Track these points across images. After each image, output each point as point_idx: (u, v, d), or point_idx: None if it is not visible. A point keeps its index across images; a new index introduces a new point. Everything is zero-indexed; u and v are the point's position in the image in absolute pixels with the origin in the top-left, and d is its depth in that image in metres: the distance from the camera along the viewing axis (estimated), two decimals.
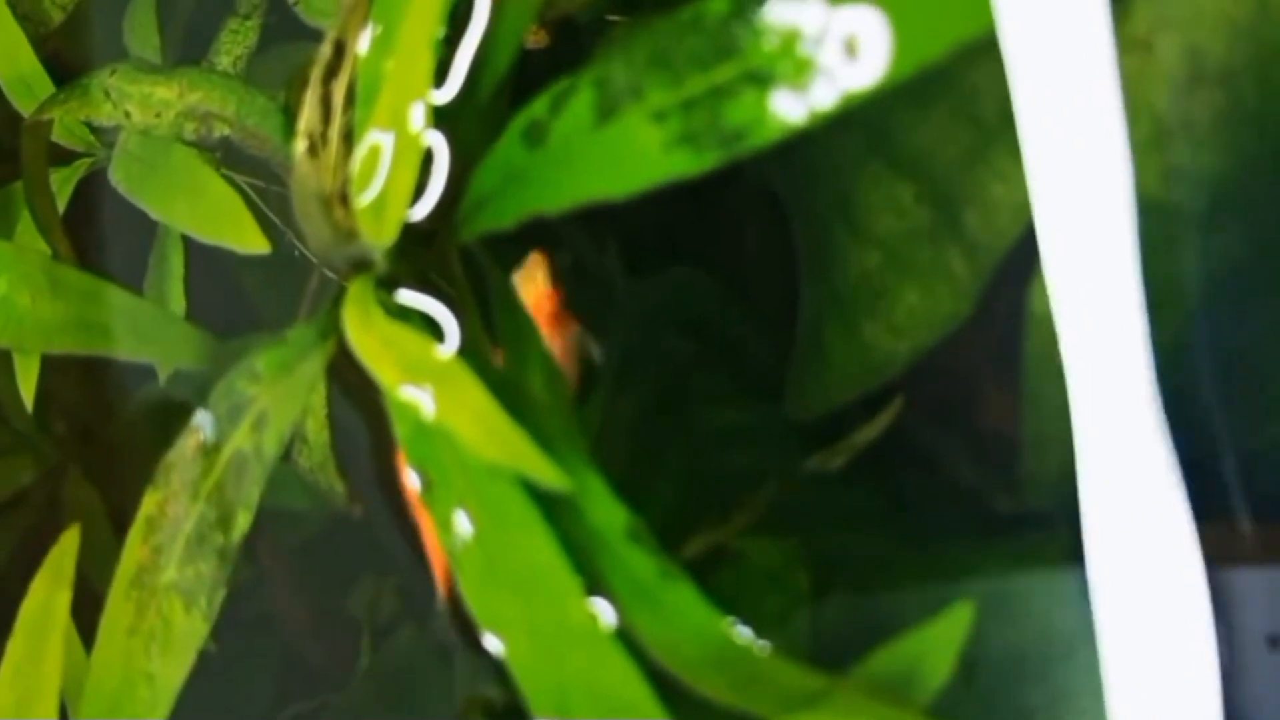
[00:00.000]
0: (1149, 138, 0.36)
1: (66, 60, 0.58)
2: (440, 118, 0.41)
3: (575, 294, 0.48)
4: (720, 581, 0.43)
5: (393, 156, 0.41)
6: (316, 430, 0.49)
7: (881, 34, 0.33)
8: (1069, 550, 0.43)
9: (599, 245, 0.53)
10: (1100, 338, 0.36)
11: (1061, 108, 0.34)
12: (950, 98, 0.40)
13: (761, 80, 0.36)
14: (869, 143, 0.44)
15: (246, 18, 0.54)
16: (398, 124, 0.41)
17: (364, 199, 0.41)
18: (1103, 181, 0.34)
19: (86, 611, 0.49)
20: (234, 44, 0.54)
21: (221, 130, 0.48)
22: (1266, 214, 0.36)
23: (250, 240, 0.48)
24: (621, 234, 0.53)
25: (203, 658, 0.46)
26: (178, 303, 0.54)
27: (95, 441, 0.60)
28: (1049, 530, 0.42)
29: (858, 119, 0.44)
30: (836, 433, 0.48)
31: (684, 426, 0.53)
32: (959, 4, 0.32)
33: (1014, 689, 0.41)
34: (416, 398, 0.40)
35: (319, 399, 0.49)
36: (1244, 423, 0.39)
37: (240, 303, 0.56)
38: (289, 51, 0.55)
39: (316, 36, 0.45)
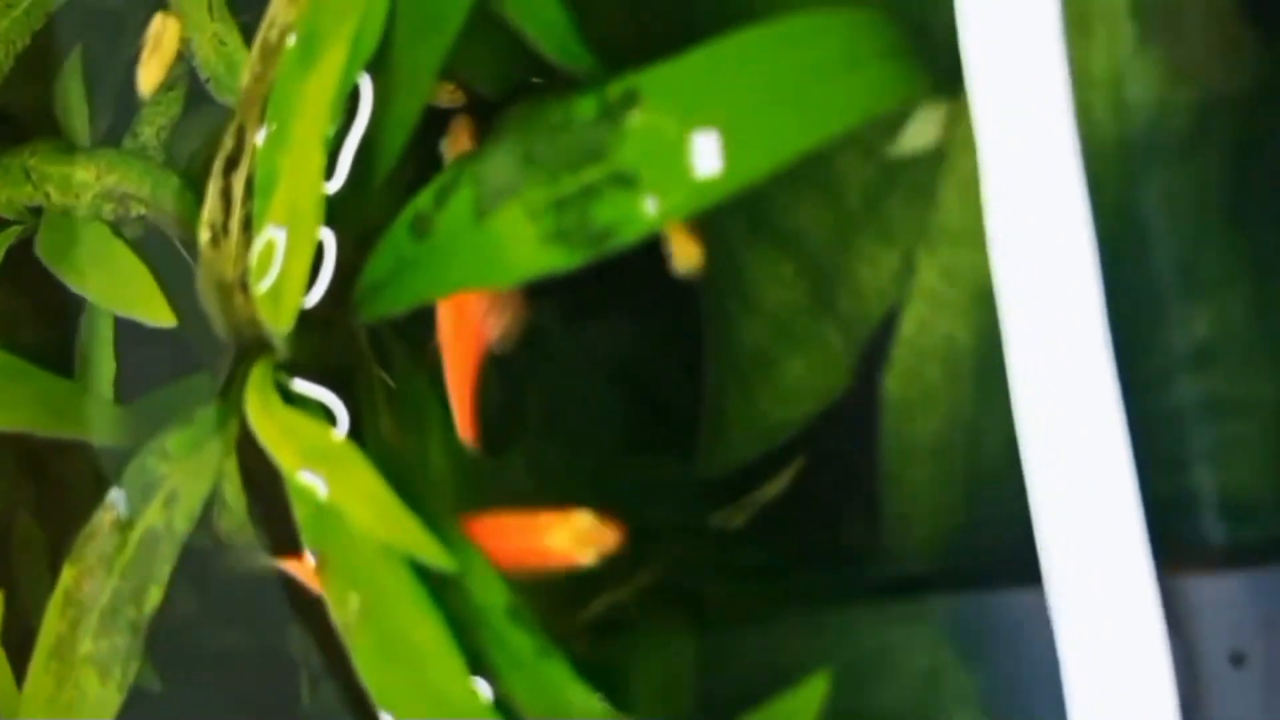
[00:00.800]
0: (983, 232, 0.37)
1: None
2: (337, 205, 0.43)
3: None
4: (614, 647, 0.45)
5: (286, 250, 0.42)
6: (234, 496, 0.50)
7: (716, 151, 0.36)
8: (947, 615, 0.45)
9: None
10: (1057, 355, 0.37)
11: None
12: (818, 184, 0.42)
13: (628, 182, 0.38)
14: (754, 222, 0.45)
15: (170, 89, 0.56)
16: (292, 219, 0.42)
17: (261, 288, 0.43)
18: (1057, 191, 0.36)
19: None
20: (157, 115, 0.55)
21: (138, 210, 0.50)
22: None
23: (158, 313, 0.49)
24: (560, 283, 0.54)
25: (146, 696, 0.47)
26: (107, 366, 0.55)
27: (45, 482, 0.61)
28: (925, 594, 0.44)
29: (744, 200, 0.46)
30: (745, 491, 0.50)
31: (604, 478, 0.55)
32: (786, 129, 0.34)
33: None
34: (312, 481, 0.42)
35: (232, 465, 0.50)
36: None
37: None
38: (216, 113, 0.57)
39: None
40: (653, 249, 0.45)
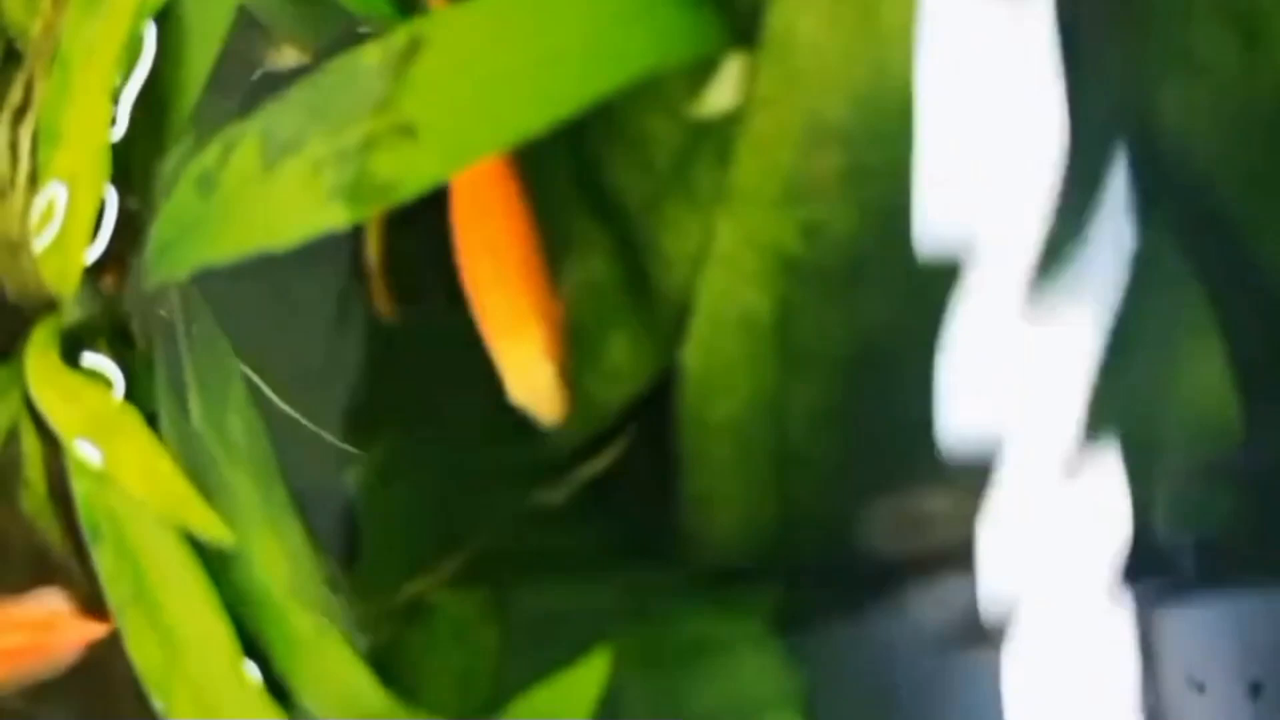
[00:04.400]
0: (780, 195, 0.36)
1: None
2: (127, 160, 0.41)
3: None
4: (414, 635, 0.43)
5: (68, 206, 0.40)
6: (35, 476, 0.48)
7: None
8: (767, 608, 0.43)
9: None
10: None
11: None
12: (632, 148, 0.40)
13: (409, 133, 0.36)
14: (579, 189, 0.43)
15: None
16: (74, 173, 0.40)
17: (39, 245, 0.41)
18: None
19: None
20: None
21: None
22: (898, 273, 0.36)
23: None
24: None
25: None
26: None
27: None
28: (744, 585, 0.42)
29: (566, 167, 0.44)
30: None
31: (437, 466, 0.53)
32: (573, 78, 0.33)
33: None
34: (89, 451, 0.40)
35: (34, 444, 0.48)
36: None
37: None
38: None
39: None
40: None
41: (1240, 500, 0.40)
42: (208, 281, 0.44)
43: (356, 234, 0.45)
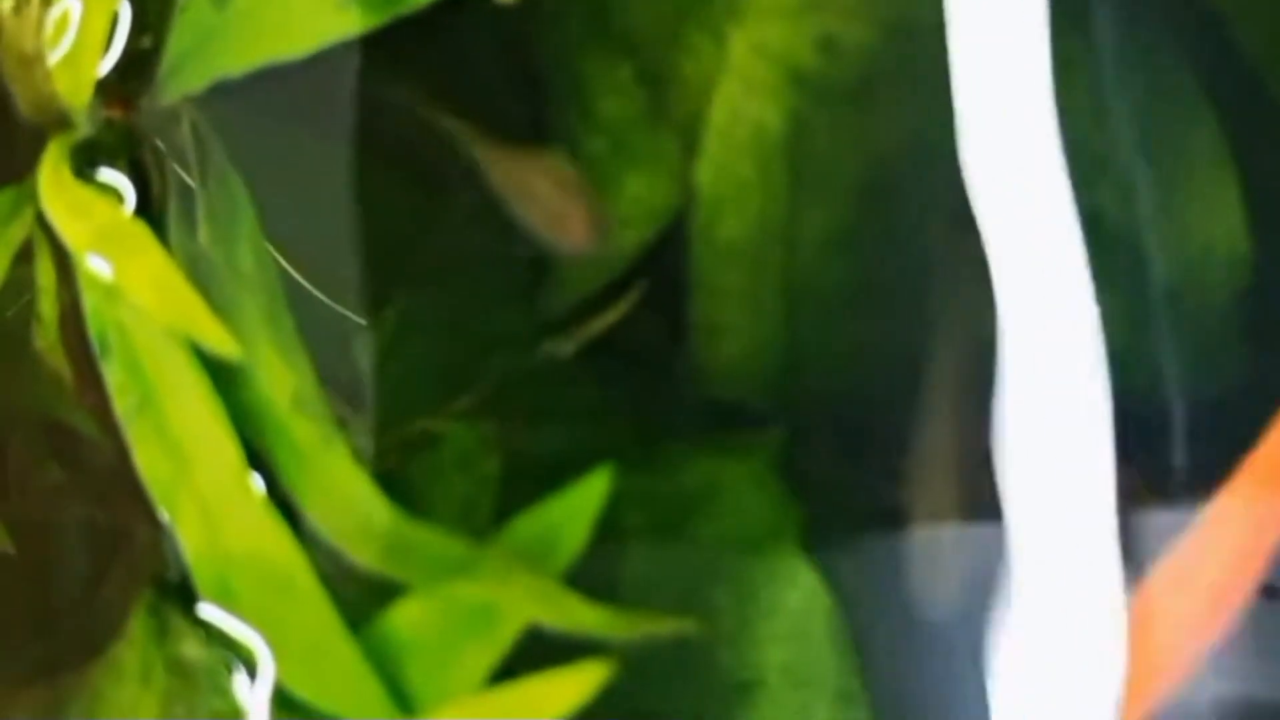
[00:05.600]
0: (796, 5, 0.35)
1: None
2: None
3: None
4: (417, 464, 0.43)
5: (81, 18, 0.40)
6: (49, 308, 0.48)
7: None
8: (777, 448, 0.43)
9: None
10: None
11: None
12: None
13: None
14: (590, 17, 0.43)
15: None
16: None
17: (54, 57, 0.41)
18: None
19: None
20: None
21: None
22: (914, 91, 0.36)
23: None
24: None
25: None
26: None
27: None
28: (754, 427, 0.42)
29: None
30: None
31: (456, 327, 0.53)
32: None
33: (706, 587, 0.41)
34: (99, 265, 0.40)
35: (49, 276, 0.48)
36: None
37: None
38: None
39: None
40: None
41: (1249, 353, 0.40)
42: (220, 114, 0.44)
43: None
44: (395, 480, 0.42)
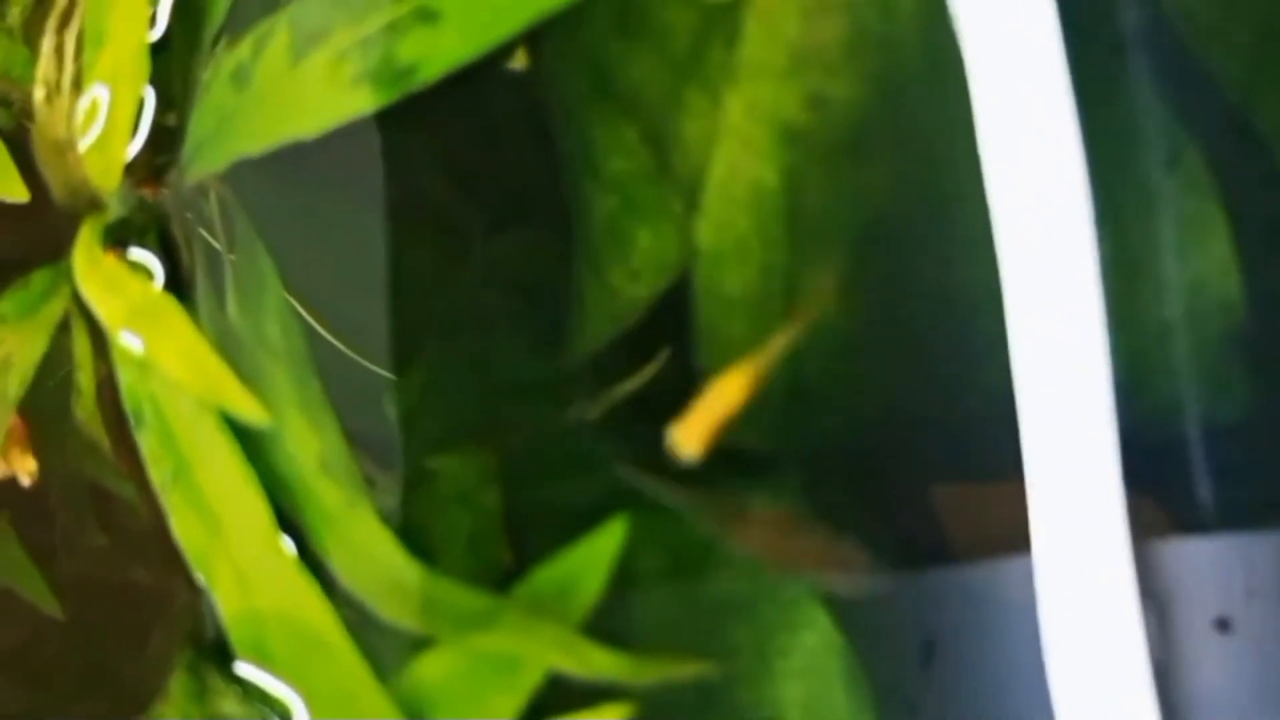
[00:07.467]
0: (786, 66, 0.36)
1: None
2: (165, 63, 0.43)
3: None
4: (415, 502, 0.44)
5: (110, 106, 0.42)
6: (86, 381, 0.50)
7: None
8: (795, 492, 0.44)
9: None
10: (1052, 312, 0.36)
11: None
12: (648, 35, 0.41)
13: (430, 17, 0.37)
14: (595, 82, 0.44)
15: None
16: (115, 74, 0.42)
17: (84, 143, 0.42)
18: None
19: None
20: None
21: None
22: (903, 142, 0.37)
23: (12, 189, 0.49)
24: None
25: None
26: None
27: None
28: (769, 471, 0.43)
29: (582, 55, 0.45)
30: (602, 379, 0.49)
31: (486, 382, 0.54)
32: None
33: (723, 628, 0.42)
34: (131, 340, 0.42)
35: (85, 350, 0.50)
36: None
37: None
38: None
39: None
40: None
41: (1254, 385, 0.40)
42: (245, 189, 0.45)
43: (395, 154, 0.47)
44: (399, 520, 0.43)
